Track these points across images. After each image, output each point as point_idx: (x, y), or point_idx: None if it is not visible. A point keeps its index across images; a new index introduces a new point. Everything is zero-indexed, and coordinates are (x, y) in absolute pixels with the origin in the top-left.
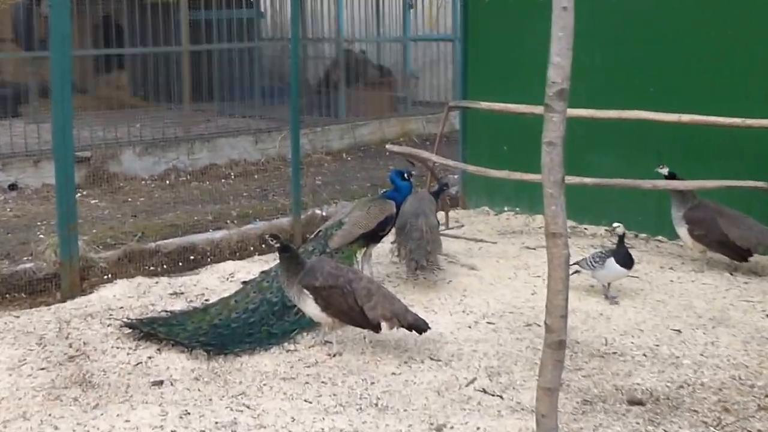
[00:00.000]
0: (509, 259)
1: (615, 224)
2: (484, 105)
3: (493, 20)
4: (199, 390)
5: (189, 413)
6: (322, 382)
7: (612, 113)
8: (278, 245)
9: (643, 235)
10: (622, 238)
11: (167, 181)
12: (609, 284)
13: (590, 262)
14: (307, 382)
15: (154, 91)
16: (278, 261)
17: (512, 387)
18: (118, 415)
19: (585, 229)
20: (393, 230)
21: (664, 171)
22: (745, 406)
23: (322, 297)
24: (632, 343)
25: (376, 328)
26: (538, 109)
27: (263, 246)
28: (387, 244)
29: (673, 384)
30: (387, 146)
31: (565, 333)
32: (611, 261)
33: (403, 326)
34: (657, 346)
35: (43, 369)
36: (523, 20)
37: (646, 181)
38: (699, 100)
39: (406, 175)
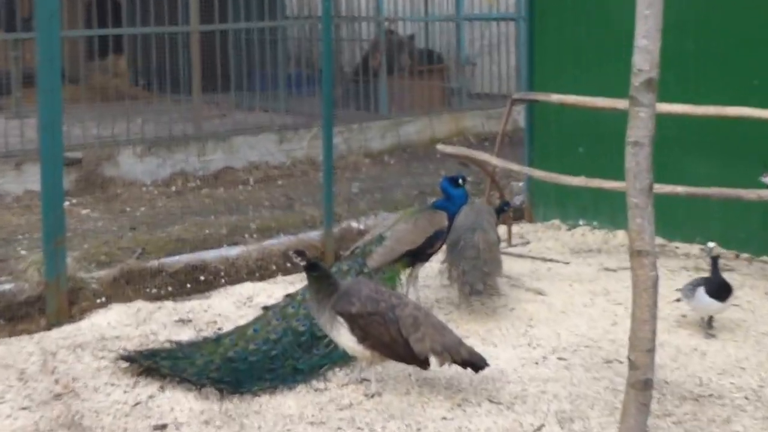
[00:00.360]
0: (584, 283)
1: (710, 244)
2: (555, 98)
3: None
4: None
5: None
6: (358, 428)
7: (711, 109)
8: (304, 263)
9: (746, 255)
10: (715, 261)
11: (173, 188)
12: (707, 317)
13: (687, 289)
14: (339, 428)
15: (158, 79)
16: (306, 282)
17: None
18: None
19: (676, 247)
20: (444, 247)
21: None
22: None
23: (360, 326)
24: (732, 383)
25: (424, 364)
26: (621, 103)
27: (288, 265)
28: (437, 263)
29: None
30: (438, 147)
31: (652, 371)
32: (701, 291)
33: (456, 362)
34: (761, 387)
35: (24, 409)
36: None
37: (750, 191)
38: None
39: (459, 181)
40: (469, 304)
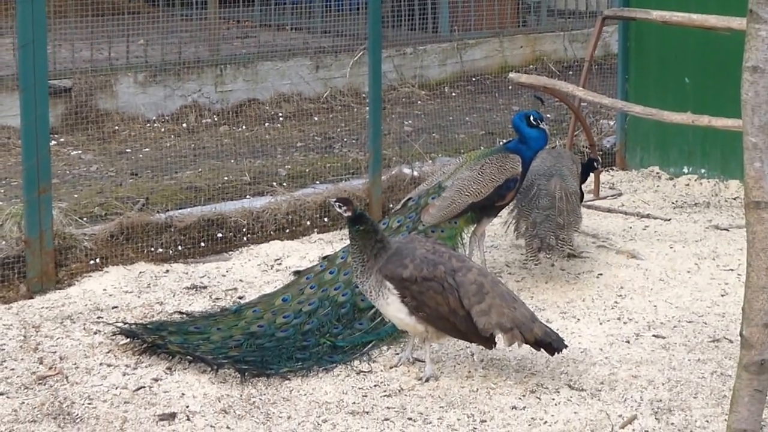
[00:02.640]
0: (689, 244)
1: None
2: (656, 15)
3: None
4: (228, 428)
5: None
6: (410, 418)
7: None
8: (349, 213)
9: None
10: None
11: (184, 124)
12: None
13: None
14: (387, 419)
15: None
16: (348, 240)
17: (690, 430)
18: None
19: None
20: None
21: None
22: None
23: (412, 293)
24: None
25: (489, 342)
26: (736, 22)
27: (325, 219)
28: (507, 217)
29: None
30: (510, 75)
31: None
32: None
33: (527, 342)
34: None
35: (1, 394)
36: None
37: None
38: None
39: (535, 120)
40: (536, 261)
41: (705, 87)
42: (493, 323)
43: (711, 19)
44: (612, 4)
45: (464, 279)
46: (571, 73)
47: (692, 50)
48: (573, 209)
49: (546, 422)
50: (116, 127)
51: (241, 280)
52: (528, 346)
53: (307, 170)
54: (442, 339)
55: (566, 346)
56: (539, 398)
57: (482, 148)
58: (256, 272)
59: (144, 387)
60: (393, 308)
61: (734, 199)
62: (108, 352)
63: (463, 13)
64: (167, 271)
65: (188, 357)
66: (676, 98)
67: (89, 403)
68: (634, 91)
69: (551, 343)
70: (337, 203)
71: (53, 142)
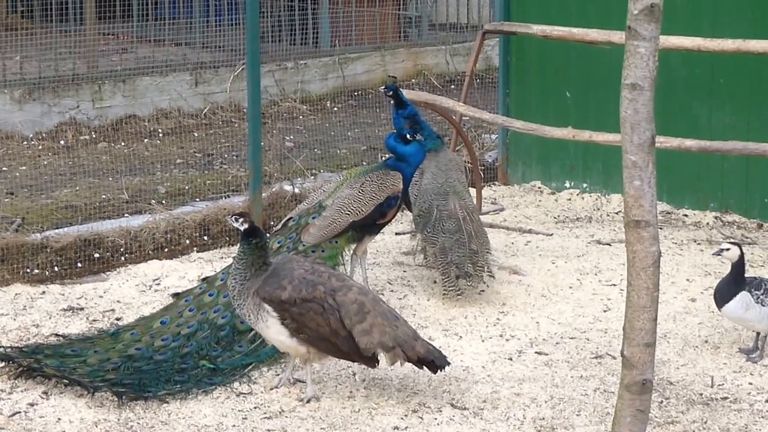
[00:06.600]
0: (571, 260)
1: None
2: (537, 29)
3: None
4: None
5: None
6: None
7: (729, 44)
8: (246, 226)
9: None
10: (741, 261)
11: (62, 141)
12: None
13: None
14: None
15: (41, 5)
16: (236, 257)
17: None
18: None
19: (684, 215)
20: (408, 217)
21: None
22: None
23: (292, 316)
24: (750, 384)
25: (371, 362)
26: (617, 36)
27: (205, 237)
28: (389, 234)
29: None
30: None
31: (652, 370)
32: None
33: (410, 360)
34: None
35: None
36: None
37: None
38: None
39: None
40: (457, 292)
41: (586, 101)
42: (375, 342)
43: (592, 33)
44: (493, 18)
45: (345, 299)
46: (453, 86)
47: (573, 64)
48: (478, 228)
49: None
50: None
51: (118, 301)
52: (410, 364)
53: (186, 187)
54: (324, 360)
55: (449, 364)
56: (421, 418)
57: (364, 164)
58: (134, 293)
59: (19, 412)
60: (273, 331)
61: (616, 213)
62: None
63: (344, 27)
64: (43, 292)
65: (64, 380)
66: (557, 113)
67: None
68: (515, 106)
69: (434, 361)
70: (233, 217)
71: None
